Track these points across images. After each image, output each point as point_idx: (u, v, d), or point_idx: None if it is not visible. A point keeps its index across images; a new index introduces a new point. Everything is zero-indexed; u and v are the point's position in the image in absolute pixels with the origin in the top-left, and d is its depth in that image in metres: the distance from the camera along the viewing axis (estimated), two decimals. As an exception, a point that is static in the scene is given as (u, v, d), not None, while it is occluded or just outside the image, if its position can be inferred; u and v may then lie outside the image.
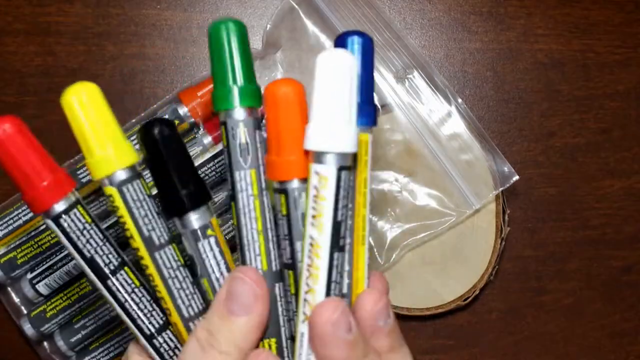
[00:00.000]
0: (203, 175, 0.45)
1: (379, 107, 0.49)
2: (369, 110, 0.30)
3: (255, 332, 0.29)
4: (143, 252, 0.29)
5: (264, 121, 0.30)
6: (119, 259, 0.29)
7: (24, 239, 0.45)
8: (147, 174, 0.29)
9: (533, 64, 0.52)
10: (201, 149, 0.46)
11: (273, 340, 0.30)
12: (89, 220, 0.28)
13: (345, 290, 0.30)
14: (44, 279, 0.46)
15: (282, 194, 0.29)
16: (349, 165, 0.27)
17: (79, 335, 0.46)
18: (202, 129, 0.47)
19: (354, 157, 0.29)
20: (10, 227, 0.46)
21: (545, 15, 0.52)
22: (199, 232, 0.29)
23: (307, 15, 0.49)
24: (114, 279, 0.29)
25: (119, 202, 0.28)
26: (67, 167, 0.46)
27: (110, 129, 0.28)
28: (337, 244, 0.28)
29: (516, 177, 0.48)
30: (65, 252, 0.45)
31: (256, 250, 0.30)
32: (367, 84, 0.30)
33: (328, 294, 0.27)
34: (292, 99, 0.28)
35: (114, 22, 0.50)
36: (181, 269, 0.30)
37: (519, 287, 0.52)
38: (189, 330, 0.30)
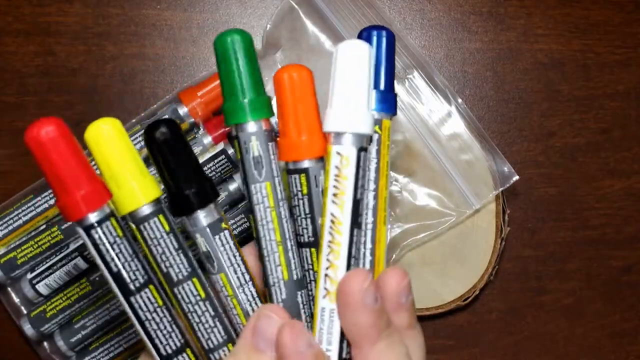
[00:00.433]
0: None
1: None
2: (391, 98, 0.32)
3: None
4: (165, 286, 0.29)
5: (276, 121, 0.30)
6: (146, 277, 0.29)
7: (24, 239, 0.45)
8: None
9: (533, 64, 0.52)
10: (201, 149, 0.46)
11: None
12: (121, 234, 0.28)
13: (367, 266, 0.31)
14: (44, 279, 0.46)
15: (302, 174, 0.30)
16: (366, 146, 0.29)
17: (79, 335, 0.46)
18: (202, 129, 0.47)
19: (370, 139, 0.30)
20: (11, 227, 0.46)
21: (545, 15, 0.52)
22: (213, 226, 0.29)
23: (307, 15, 0.49)
24: (137, 296, 0.28)
25: (138, 238, 0.29)
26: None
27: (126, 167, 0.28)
28: (356, 221, 0.29)
29: (516, 177, 0.48)
30: (66, 252, 0.45)
31: (276, 261, 0.30)
32: (389, 74, 0.32)
33: (349, 269, 0.29)
34: (306, 81, 0.30)
35: (114, 22, 0.50)
36: (200, 303, 0.30)
37: (519, 287, 0.53)
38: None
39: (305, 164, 0.30)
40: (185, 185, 0.29)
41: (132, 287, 0.28)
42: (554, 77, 0.52)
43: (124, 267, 0.28)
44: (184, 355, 0.30)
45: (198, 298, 0.30)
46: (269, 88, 0.32)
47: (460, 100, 0.49)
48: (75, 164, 0.26)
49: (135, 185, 0.28)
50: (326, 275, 0.29)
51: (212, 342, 0.30)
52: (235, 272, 0.30)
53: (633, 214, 0.53)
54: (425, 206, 0.49)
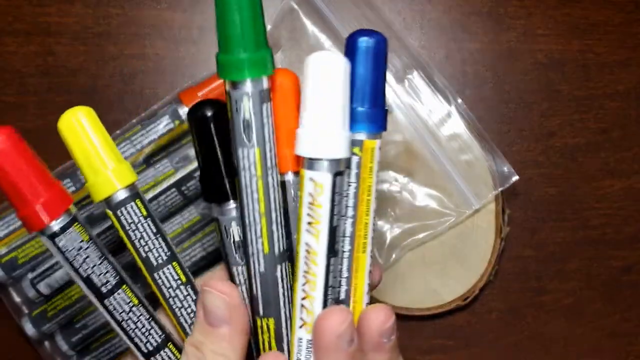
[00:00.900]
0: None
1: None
2: (376, 115, 0.28)
3: (239, 337, 0.29)
4: (144, 272, 0.29)
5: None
6: (117, 278, 0.29)
7: (25, 239, 0.45)
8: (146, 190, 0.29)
9: (533, 64, 0.52)
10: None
11: (271, 320, 0.30)
12: (86, 238, 0.28)
13: (342, 296, 0.30)
14: (44, 278, 0.46)
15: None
16: (343, 170, 0.27)
17: (80, 335, 0.46)
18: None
19: (348, 160, 0.28)
20: (11, 227, 0.46)
21: (545, 16, 0.52)
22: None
23: (307, 15, 0.49)
24: (111, 298, 0.28)
25: (116, 224, 0.28)
26: (69, 167, 0.46)
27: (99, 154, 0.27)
28: (332, 249, 0.27)
29: (516, 177, 0.48)
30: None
31: (257, 232, 0.28)
32: (376, 87, 0.28)
33: (325, 300, 0.28)
34: (288, 89, 0.28)
35: (114, 22, 0.50)
36: (182, 287, 0.29)
37: (519, 287, 0.53)
38: None
39: (282, 177, 0.29)
40: (224, 174, 0.29)
41: (104, 290, 0.28)
42: (554, 77, 0.52)
43: (93, 272, 0.28)
44: (166, 350, 0.30)
45: (179, 282, 0.29)
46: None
47: (460, 101, 0.49)
48: (31, 173, 0.26)
49: (110, 171, 0.27)
50: (302, 305, 0.28)
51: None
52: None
53: (633, 214, 0.53)
54: (425, 206, 0.49)
